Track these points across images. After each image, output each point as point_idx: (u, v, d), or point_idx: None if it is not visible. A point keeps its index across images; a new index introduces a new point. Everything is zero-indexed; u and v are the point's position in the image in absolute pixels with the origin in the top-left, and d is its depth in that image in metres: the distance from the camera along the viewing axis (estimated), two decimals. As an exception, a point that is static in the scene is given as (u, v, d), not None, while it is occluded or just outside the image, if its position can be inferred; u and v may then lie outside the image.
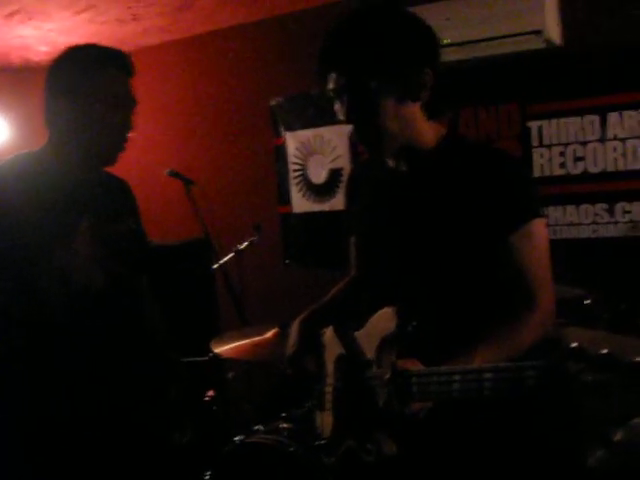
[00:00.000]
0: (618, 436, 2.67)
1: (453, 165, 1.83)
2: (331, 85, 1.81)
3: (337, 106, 1.84)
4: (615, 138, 3.46)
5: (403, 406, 1.68)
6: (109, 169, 2.38)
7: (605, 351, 1.23)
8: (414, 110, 1.83)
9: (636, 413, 2.36)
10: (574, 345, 1.27)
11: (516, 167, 1.85)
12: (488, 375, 1.54)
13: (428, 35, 1.83)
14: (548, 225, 3.54)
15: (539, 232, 1.80)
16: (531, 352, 1.69)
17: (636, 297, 3.00)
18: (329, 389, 1.97)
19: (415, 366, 1.70)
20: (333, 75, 1.80)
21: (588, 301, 2.56)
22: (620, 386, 1.22)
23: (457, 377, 1.59)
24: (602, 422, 2.56)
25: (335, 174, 4.41)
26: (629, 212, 3.46)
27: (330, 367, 1.99)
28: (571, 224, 3.57)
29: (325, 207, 4.47)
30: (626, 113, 3.43)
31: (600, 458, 2.61)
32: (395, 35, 1.77)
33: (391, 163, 1.93)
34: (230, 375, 3.52)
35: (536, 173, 3.60)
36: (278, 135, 4.65)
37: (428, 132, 1.86)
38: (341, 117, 1.84)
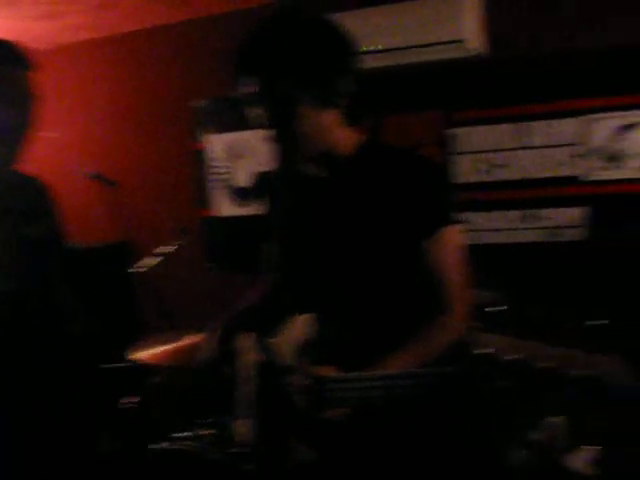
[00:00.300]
0: (537, 436, 2.75)
1: (371, 171, 1.85)
2: (248, 90, 1.81)
3: (254, 111, 1.83)
4: (531, 146, 3.55)
5: (321, 412, 1.69)
6: (25, 170, 2.30)
7: (515, 357, 1.26)
8: (332, 116, 1.83)
9: (551, 414, 2.43)
10: (485, 351, 1.29)
11: (432, 174, 1.87)
12: (403, 381, 1.56)
13: (344, 42, 1.84)
14: (470, 231, 3.62)
15: (454, 238, 1.83)
16: (445, 357, 1.72)
17: (552, 301, 3.08)
18: (249, 395, 1.96)
19: (332, 372, 1.71)
20: (249, 80, 1.80)
21: (504, 306, 2.62)
22: (529, 391, 1.25)
23: (373, 383, 1.61)
24: (522, 423, 2.63)
25: (260, 177, 4.39)
26: (545, 218, 3.55)
27: (249, 373, 1.98)
28: (492, 230, 3.65)
29: (251, 211, 4.45)
30: (541, 122, 3.52)
31: (520, 457, 2.68)
32: (310, 42, 1.78)
33: (310, 169, 1.93)
34: (152, 381, 3.46)
35: (458, 180, 3.66)
36: (201, 138, 4.61)
37: (347, 138, 1.87)
38: (258, 122, 1.83)
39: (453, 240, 1.82)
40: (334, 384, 1.68)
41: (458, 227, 1.84)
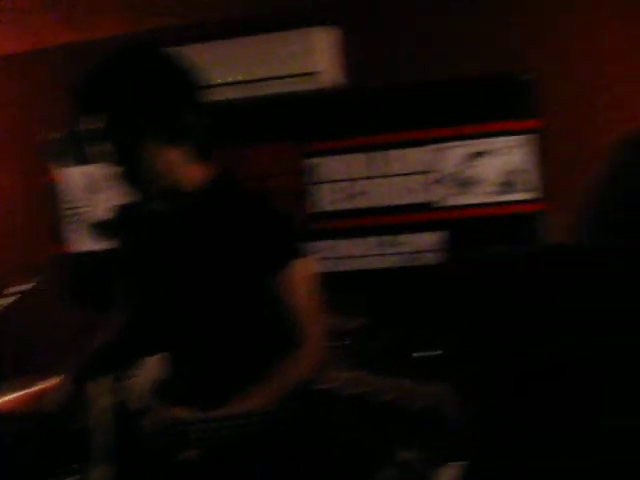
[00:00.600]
0: (405, 455, 2.79)
1: (216, 207, 1.84)
2: (92, 126, 1.76)
3: (99, 147, 1.79)
4: (386, 175, 3.64)
5: (177, 453, 1.66)
6: None
7: (357, 391, 1.27)
8: (180, 152, 1.81)
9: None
10: (327, 387, 1.30)
11: (275, 210, 1.86)
12: (252, 419, 1.55)
13: (190, 76, 1.82)
14: (329, 259, 3.66)
15: (303, 271, 1.83)
16: (292, 393, 1.71)
17: (414, 325, 3.15)
18: (106, 440, 1.89)
19: (187, 413, 1.68)
20: (93, 117, 1.75)
21: (360, 337, 2.66)
22: (375, 424, 1.26)
23: (225, 423, 1.59)
24: (390, 443, 2.66)
25: (115, 212, 4.28)
26: (401, 244, 3.64)
27: (105, 417, 1.91)
28: (351, 257, 3.70)
29: (108, 246, 4.32)
30: (396, 151, 3.62)
31: (388, 476, 2.72)
32: (155, 76, 1.76)
33: (158, 204, 1.90)
34: (6, 430, 3.29)
35: (316, 209, 3.70)
36: (56, 171, 4.45)
37: (195, 174, 1.85)
38: (103, 158, 1.79)
39: (303, 273, 1.83)
40: (189, 425, 1.65)
41: (307, 260, 1.85)
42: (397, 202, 3.65)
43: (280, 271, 1.80)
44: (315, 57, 3.54)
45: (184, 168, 1.82)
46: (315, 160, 3.75)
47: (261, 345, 1.83)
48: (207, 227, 1.83)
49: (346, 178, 3.70)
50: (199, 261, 1.83)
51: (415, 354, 2.33)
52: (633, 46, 3.30)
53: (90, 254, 4.39)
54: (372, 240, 3.67)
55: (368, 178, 3.67)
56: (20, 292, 3.72)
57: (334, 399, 1.29)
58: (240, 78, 3.54)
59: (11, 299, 3.68)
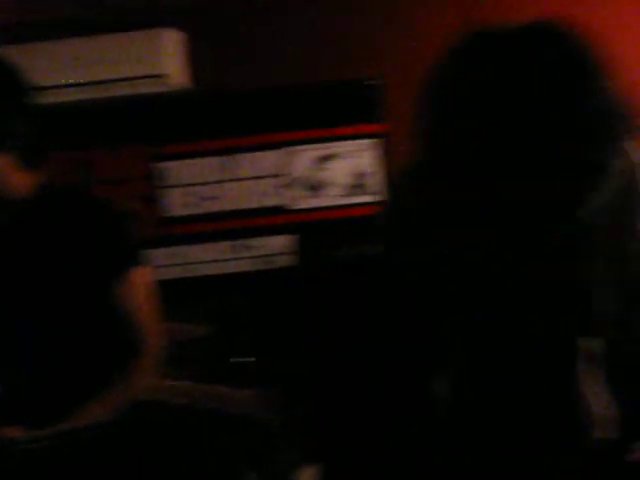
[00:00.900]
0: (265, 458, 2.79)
1: (48, 215, 1.77)
2: None
3: None
4: (238, 178, 3.63)
5: (12, 475, 1.59)
6: None
7: (183, 401, 1.26)
8: (6, 159, 1.72)
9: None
10: (153, 399, 1.28)
11: (109, 217, 1.81)
12: (86, 433, 1.51)
13: (14, 79, 1.74)
14: (182, 264, 3.62)
15: (141, 279, 1.80)
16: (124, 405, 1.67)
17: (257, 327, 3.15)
18: None
19: (19, 432, 1.61)
20: None
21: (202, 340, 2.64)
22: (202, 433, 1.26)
23: (59, 439, 1.54)
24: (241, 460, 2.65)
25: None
26: (255, 247, 3.64)
27: None
28: (204, 262, 3.67)
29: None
30: (247, 155, 3.62)
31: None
32: None
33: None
34: None
35: (168, 213, 3.64)
36: None
37: (24, 181, 1.76)
38: None
39: (141, 281, 1.79)
40: (22, 445, 1.58)
41: (145, 267, 1.81)
42: (248, 206, 3.64)
43: (118, 279, 1.75)
44: (164, 59, 3.48)
45: (12, 176, 1.74)
46: (165, 164, 3.68)
47: (99, 356, 1.77)
48: (38, 236, 1.75)
49: (197, 182, 3.66)
50: (31, 271, 1.75)
51: (232, 360, 2.34)
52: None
53: None
54: (224, 244, 3.65)
55: (219, 182, 3.65)
56: None
57: (164, 409, 1.27)
58: (85, 80, 3.42)
59: None
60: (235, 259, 3.65)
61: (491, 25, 1.18)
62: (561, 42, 1.12)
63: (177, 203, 3.68)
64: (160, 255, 3.58)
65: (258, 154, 3.63)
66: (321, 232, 3.63)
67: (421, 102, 1.19)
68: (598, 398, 1.15)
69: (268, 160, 3.63)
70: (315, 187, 3.63)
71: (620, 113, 1.09)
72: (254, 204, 3.65)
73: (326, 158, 3.62)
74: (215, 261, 3.66)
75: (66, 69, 3.35)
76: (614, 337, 1.16)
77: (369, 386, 1.48)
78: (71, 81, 3.36)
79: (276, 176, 3.63)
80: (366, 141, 3.58)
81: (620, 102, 1.10)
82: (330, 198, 3.62)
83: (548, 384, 1.19)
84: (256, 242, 3.65)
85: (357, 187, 3.61)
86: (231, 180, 3.64)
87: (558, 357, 1.20)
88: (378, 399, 1.37)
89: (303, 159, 3.61)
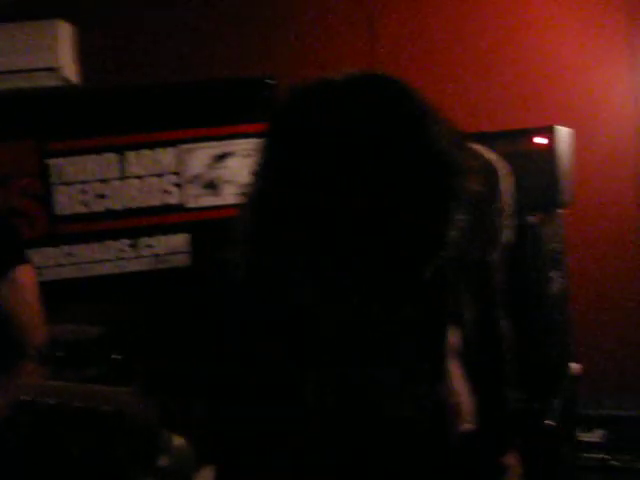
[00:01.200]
0: (163, 461, 2.76)
1: None
2: None
3: None
4: (133, 176, 3.58)
5: None
6: None
7: (55, 401, 1.25)
8: None
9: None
10: (25, 398, 1.26)
11: None
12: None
13: None
14: (75, 264, 3.54)
15: (24, 277, 1.77)
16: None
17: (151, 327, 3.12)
18: None
19: None
20: None
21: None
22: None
23: None
24: (147, 450, 2.62)
25: None
26: (151, 246, 3.60)
27: None
28: (95, 261, 3.60)
29: None
30: (142, 152, 3.57)
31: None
32: None
33: None
34: None
35: (58, 211, 3.56)
36: None
37: None
38: None
39: (23, 279, 1.76)
40: None
41: (27, 266, 1.78)
42: (143, 204, 3.59)
43: (1, 278, 1.72)
44: (57, 52, 3.40)
45: None
46: (57, 160, 3.59)
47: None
48: None
49: (91, 179, 3.59)
50: None
51: (114, 356, 2.32)
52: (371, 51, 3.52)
53: None
54: (117, 243, 3.60)
55: (113, 180, 3.59)
56: None
57: (36, 409, 1.25)
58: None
59: None
60: (129, 258, 3.60)
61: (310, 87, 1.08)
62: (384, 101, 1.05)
63: (70, 201, 3.59)
64: (51, 254, 3.50)
65: (153, 151, 3.58)
66: (217, 231, 3.61)
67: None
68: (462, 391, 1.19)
69: (163, 158, 3.59)
70: (210, 186, 3.61)
71: (455, 152, 1.05)
72: (149, 203, 3.60)
73: (222, 156, 3.61)
74: (108, 260, 3.60)
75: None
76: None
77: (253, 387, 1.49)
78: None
79: (171, 174, 3.60)
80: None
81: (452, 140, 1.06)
82: (225, 197, 3.61)
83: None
84: (151, 241, 3.61)
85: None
86: (125, 178, 3.58)
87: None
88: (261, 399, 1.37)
89: (198, 157, 3.59)
